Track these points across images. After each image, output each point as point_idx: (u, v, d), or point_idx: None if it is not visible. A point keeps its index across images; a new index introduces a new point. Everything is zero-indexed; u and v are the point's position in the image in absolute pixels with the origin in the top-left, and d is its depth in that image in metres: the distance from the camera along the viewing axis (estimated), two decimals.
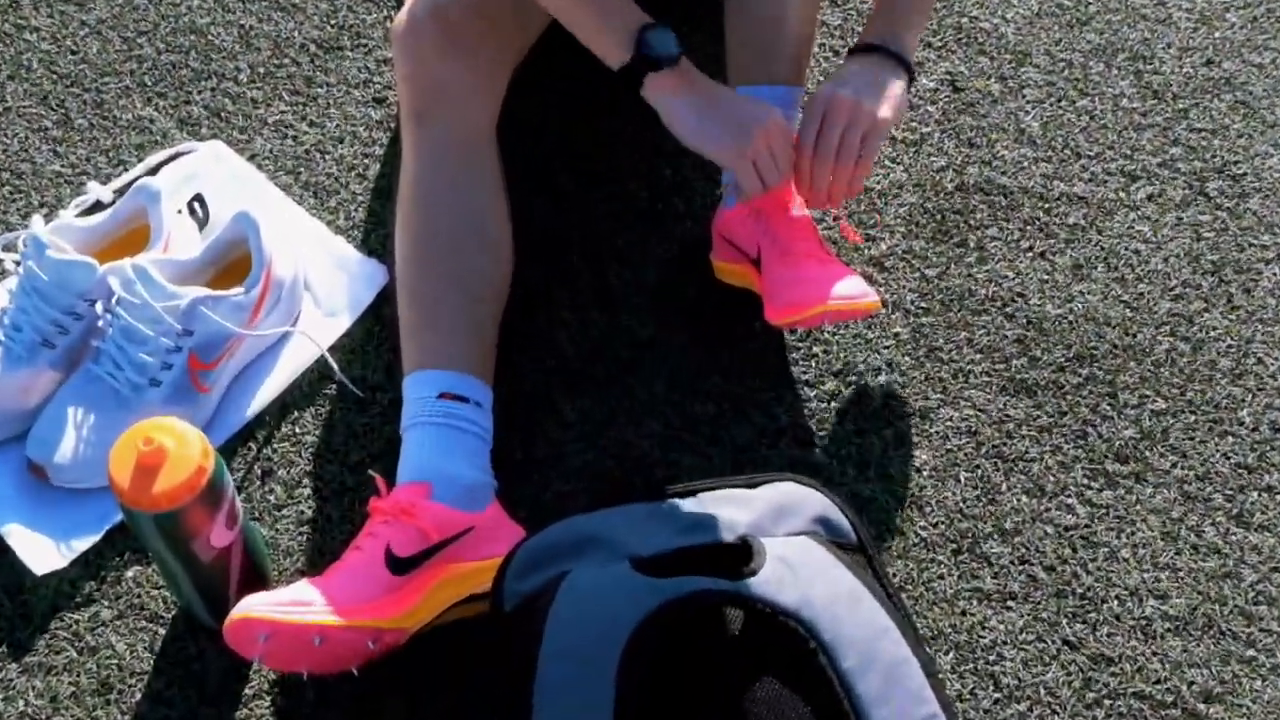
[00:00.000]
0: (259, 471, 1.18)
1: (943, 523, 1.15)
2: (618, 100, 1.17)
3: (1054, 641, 1.09)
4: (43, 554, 1.11)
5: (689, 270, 1.29)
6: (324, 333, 1.25)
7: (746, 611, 0.91)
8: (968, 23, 1.51)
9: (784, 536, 0.99)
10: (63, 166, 1.37)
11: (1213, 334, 1.28)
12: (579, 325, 1.27)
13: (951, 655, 1.08)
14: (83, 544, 1.12)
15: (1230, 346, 1.27)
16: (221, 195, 1.32)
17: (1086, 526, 1.15)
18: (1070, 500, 1.17)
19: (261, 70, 1.45)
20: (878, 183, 1.37)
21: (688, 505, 1.01)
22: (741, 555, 0.96)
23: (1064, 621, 1.10)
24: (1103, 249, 1.33)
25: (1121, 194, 1.37)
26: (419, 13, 1.15)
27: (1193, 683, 1.08)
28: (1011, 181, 1.38)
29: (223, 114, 1.41)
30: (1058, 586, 1.12)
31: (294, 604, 0.98)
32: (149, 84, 1.44)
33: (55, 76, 1.44)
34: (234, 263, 1.22)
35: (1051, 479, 1.18)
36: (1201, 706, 1.07)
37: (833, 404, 1.22)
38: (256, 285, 1.18)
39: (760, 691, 0.89)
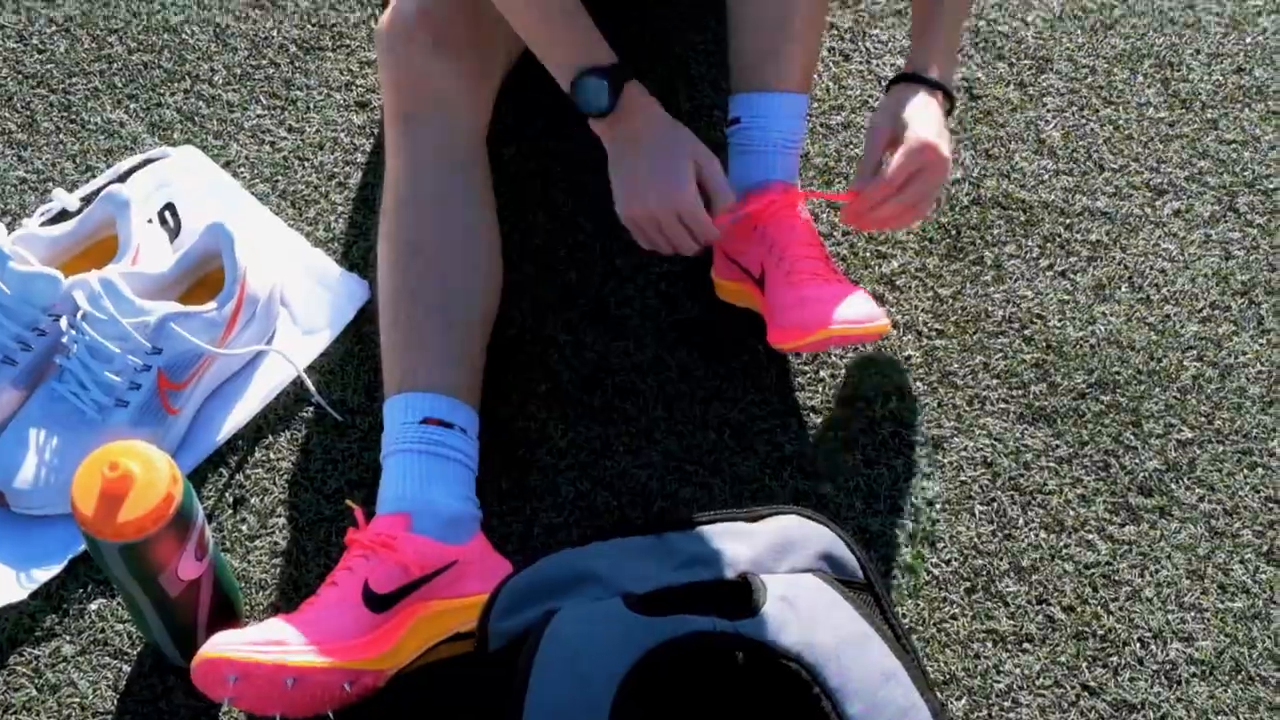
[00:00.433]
0: (230, 499, 1.17)
1: (956, 559, 1.14)
2: None
3: (1073, 687, 1.07)
4: (1, 585, 1.10)
5: (689, 289, 1.29)
6: (301, 352, 1.24)
7: (747, 654, 0.91)
8: (985, 26, 1.51)
9: (787, 574, 0.99)
10: (27, 172, 1.38)
11: (1242, 359, 1.27)
12: (573, 347, 1.26)
13: (964, 701, 1.06)
14: (44, 574, 1.11)
15: (1260, 372, 1.26)
16: (194, 204, 1.32)
17: (1108, 564, 1.14)
18: (1091, 536, 1.16)
19: (238, 72, 1.46)
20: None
21: (686, 539, 1.02)
22: (742, 594, 0.96)
23: (1084, 665, 1.08)
24: (1126, 268, 1.33)
25: (1147, 209, 1.37)
26: (406, 11, 1.15)
27: None
28: (1031, 195, 1.37)
29: (196, 118, 1.42)
30: (1077, 628, 1.10)
31: (266, 643, 0.97)
32: (119, 85, 1.44)
33: (20, 77, 1.45)
34: (207, 277, 1.22)
35: (1071, 513, 1.17)
36: None
37: (840, 432, 1.22)
38: (230, 301, 1.17)
39: None
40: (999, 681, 1.07)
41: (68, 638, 1.08)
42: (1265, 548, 1.15)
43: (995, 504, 1.17)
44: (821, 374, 1.24)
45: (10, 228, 1.30)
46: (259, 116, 1.41)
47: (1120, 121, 1.43)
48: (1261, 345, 1.27)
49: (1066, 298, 1.30)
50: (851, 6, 1.51)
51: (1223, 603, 1.12)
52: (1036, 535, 1.15)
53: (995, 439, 1.21)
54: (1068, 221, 1.35)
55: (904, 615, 1.10)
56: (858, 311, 1.12)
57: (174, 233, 1.28)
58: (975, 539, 1.15)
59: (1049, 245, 1.33)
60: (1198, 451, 1.20)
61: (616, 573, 0.99)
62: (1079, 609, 1.11)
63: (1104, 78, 1.46)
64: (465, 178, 1.15)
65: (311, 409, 1.21)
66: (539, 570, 1.00)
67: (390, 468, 1.07)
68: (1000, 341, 1.26)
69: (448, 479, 1.07)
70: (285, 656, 0.96)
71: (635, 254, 1.29)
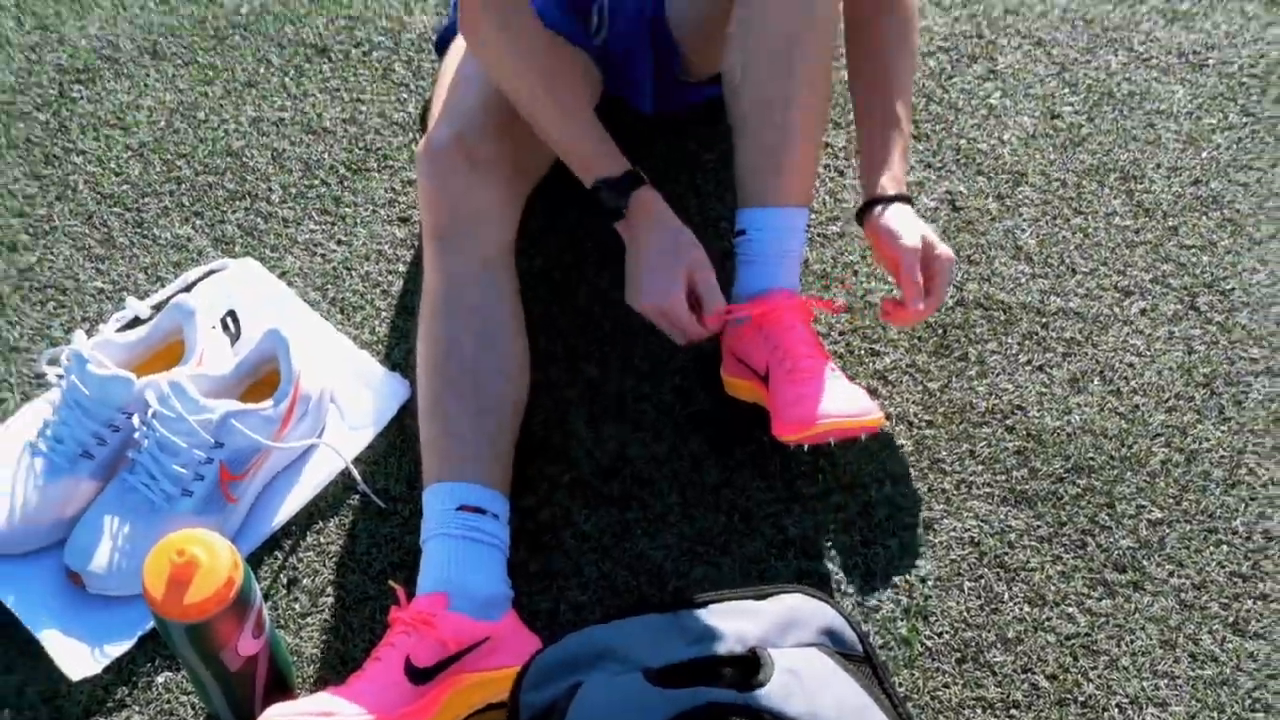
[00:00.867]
0: (285, 580, 1.20)
1: (947, 632, 1.16)
2: None
3: None
4: (78, 659, 1.13)
5: (702, 383, 1.31)
6: (348, 445, 1.27)
7: None
8: (966, 144, 1.54)
9: (792, 648, 1.01)
10: (104, 283, 1.41)
11: (1206, 445, 1.29)
12: (594, 440, 1.28)
13: None
14: (116, 650, 1.14)
15: (1223, 457, 1.28)
16: (253, 311, 1.35)
17: (1087, 635, 1.16)
18: (1071, 609, 1.18)
19: (293, 191, 1.49)
20: (879, 298, 1.40)
21: (699, 617, 1.02)
22: (751, 667, 0.97)
23: None
24: (1098, 362, 1.35)
25: (1115, 309, 1.39)
26: (442, 137, 1.19)
27: None
28: (1010, 297, 1.40)
29: (255, 232, 1.45)
30: (1060, 695, 1.13)
31: (317, 713, 1.00)
32: (187, 204, 1.48)
33: (99, 196, 1.49)
34: (264, 377, 1.26)
35: (1052, 588, 1.19)
36: None
37: (839, 515, 1.23)
38: (285, 399, 1.21)
39: None
40: None
41: (137, 708, 1.11)
42: (1232, 619, 1.17)
43: (982, 580, 1.19)
44: (821, 463, 1.26)
45: (89, 333, 1.34)
46: (311, 231, 1.45)
47: (1090, 229, 1.45)
48: (1223, 432, 1.29)
49: (1044, 390, 1.32)
50: (844, 128, 1.55)
51: (1194, 670, 1.14)
52: (1021, 609, 1.17)
53: (981, 520, 1.23)
54: (1044, 320, 1.37)
55: (900, 685, 1.13)
56: (854, 406, 1.14)
57: (235, 337, 1.30)
58: (965, 613, 1.17)
59: (1027, 342, 1.36)
60: (1167, 530, 1.22)
61: (637, 648, 1.00)
62: (1061, 677, 1.13)
63: (1074, 190, 1.49)
64: (496, 286, 1.18)
65: (358, 497, 1.24)
66: (565, 646, 1.01)
67: (430, 551, 1.10)
68: (984, 431, 1.29)
69: (482, 561, 1.10)
70: None
71: (652, 352, 1.32)
